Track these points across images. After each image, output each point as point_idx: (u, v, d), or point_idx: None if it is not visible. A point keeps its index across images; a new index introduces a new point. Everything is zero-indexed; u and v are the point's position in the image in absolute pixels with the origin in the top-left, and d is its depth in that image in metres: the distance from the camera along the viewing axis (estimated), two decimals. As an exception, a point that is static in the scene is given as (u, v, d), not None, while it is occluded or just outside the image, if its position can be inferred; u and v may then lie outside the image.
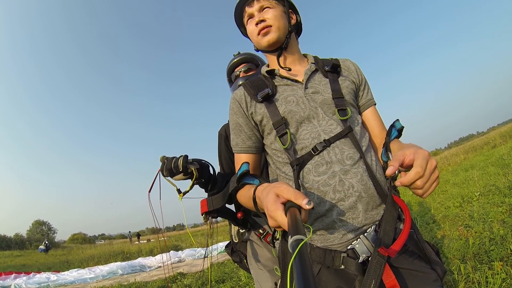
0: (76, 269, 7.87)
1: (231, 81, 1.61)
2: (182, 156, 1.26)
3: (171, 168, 1.22)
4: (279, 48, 0.96)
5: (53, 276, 6.89)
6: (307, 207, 0.50)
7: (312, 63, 0.97)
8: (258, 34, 0.95)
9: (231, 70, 1.59)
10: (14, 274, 7.03)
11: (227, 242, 1.59)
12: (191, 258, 8.28)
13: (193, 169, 1.26)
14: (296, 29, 1.04)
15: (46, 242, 24.43)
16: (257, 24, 0.95)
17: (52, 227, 53.75)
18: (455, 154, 13.76)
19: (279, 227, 0.56)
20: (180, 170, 1.22)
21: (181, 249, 10.22)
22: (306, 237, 0.42)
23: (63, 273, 7.50)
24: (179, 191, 1.32)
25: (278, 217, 0.53)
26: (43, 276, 6.89)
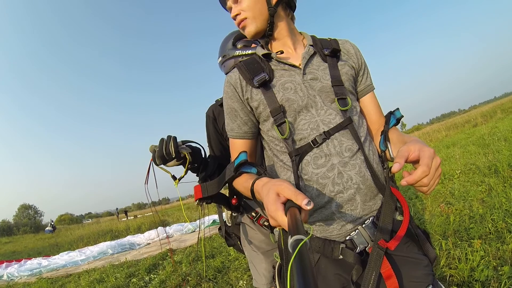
0: (66, 252, 7.84)
1: (235, 46, 1.46)
2: (170, 137, 1.21)
3: (163, 155, 1.18)
4: (264, 35, 0.92)
5: (44, 261, 6.84)
6: (307, 207, 0.50)
7: (310, 45, 0.91)
8: (239, 27, 0.92)
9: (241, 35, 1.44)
10: (5, 263, 6.94)
11: (217, 220, 1.60)
12: (179, 233, 8.16)
13: (185, 153, 1.23)
14: (287, 2, 0.93)
15: (52, 223, 24.83)
16: (234, 18, 0.91)
17: (39, 210, 53.25)
18: (437, 130, 14.14)
19: (280, 226, 0.56)
20: (173, 156, 1.19)
21: (168, 224, 10.04)
22: (306, 237, 0.42)
23: (53, 257, 7.47)
24: (174, 177, 1.29)
25: (278, 217, 0.54)
26: (34, 262, 6.84)
